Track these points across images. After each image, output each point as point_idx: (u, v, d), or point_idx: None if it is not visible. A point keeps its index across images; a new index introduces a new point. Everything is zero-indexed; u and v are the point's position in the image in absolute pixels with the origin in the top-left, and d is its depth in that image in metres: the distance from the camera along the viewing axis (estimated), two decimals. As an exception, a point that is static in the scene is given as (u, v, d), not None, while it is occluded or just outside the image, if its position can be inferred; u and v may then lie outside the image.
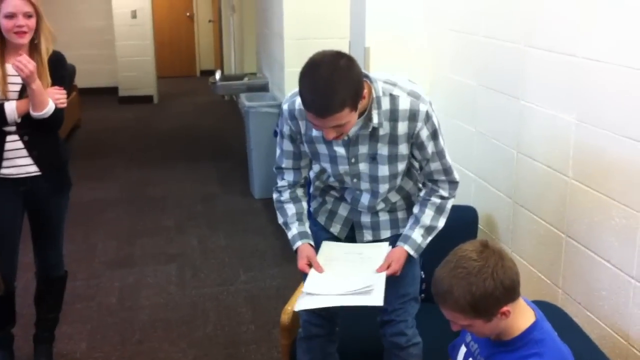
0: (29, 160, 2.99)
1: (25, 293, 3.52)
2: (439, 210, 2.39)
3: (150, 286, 4.23)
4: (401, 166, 2.34)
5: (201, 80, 11.58)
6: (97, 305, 4.01)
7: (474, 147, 3.19)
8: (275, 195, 2.52)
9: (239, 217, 5.35)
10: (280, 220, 2.50)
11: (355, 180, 2.38)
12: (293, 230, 2.45)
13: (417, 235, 2.38)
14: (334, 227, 2.54)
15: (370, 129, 2.23)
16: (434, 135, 2.28)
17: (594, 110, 2.34)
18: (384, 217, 2.48)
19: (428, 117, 2.23)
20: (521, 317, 1.74)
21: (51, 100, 2.91)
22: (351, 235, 2.52)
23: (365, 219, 2.48)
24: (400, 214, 2.48)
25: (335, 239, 2.53)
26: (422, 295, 2.63)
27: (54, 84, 2.98)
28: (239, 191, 5.95)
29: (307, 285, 2.32)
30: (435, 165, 2.34)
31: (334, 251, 2.46)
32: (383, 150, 2.29)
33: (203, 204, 5.68)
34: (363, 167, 2.33)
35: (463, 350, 1.91)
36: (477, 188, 3.17)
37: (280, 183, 2.50)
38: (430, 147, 2.29)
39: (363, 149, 2.29)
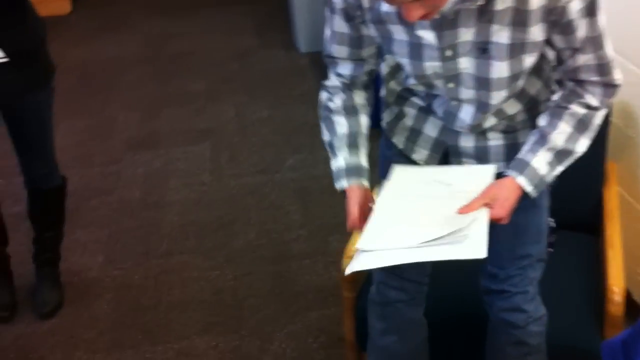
0: None
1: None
2: (582, 125, 1.52)
3: (179, 173, 3.53)
4: (529, 60, 1.47)
5: None
6: (117, 201, 3.34)
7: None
8: (322, 97, 1.68)
9: (282, 79, 4.50)
10: (325, 137, 1.67)
11: (451, 85, 1.53)
12: (339, 161, 1.62)
13: (541, 162, 1.52)
14: (417, 152, 1.72)
15: (479, 2, 1.36)
16: (590, 9, 1.38)
17: None
18: (495, 140, 1.64)
19: None
20: None
21: None
22: (444, 162, 1.71)
23: (466, 142, 1.65)
24: (522, 136, 1.64)
25: None
26: (551, 249, 1.87)
27: None
28: (280, 43, 5.05)
29: (363, 241, 1.52)
30: (586, 59, 1.46)
31: (410, 181, 1.63)
32: (500, 36, 1.41)
33: (238, 61, 4.82)
34: (466, 63, 1.48)
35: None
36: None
37: (331, 80, 1.66)
38: (582, 30, 1.41)
39: (466, 35, 1.43)
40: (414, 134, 1.71)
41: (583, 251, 2.16)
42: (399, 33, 1.50)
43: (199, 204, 3.28)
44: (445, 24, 1.42)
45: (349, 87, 1.65)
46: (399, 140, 1.74)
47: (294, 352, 2.42)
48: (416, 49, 1.50)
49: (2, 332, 2.57)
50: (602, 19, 1.42)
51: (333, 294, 2.62)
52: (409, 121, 1.72)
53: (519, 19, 1.39)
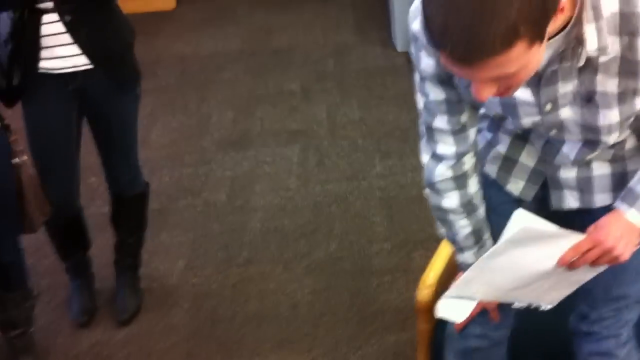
0: (75, 49, 2.20)
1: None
2: None
3: (267, 177, 3.48)
4: None
5: None
6: (203, 203, 3.33)
7: None
8: (431, 196, 1.53)
9: (377, 79, 4.37)
10: (443, 232, 1.58)
11: (554, 131, 1.37)
12: (467, 257, 1.56)
13: None
14: (512, 183, 1.56)
15: (580, 59, 1.18)
16: None
17: None
18: (601, 169, 1.46)
19: None
20: None
21: None
22: (543, 196, 1.54)
23: (568, 173, 1.47)
24: (632, 164, 1.44)
25: (515, 202, 1.56)
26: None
27: None
28: (378, 40, 4.90)
29: (457, 288, 1.44)
30: None
31: (529, 239, 1.33)
32: (608, 85, 1.23)
33: (335, 58, 4.72)
34: (568, 114, 1.30)
35: None
36: None
37: (436, 173, 1.47)
38: None
39: (566, 87, 1.25)
40: (509, 162, 1.55)
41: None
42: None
43: (284, 210, 3.22)
44: (542, 81, 1.25)
45: (458, 177, 1.48)
46: (491, 170, 1.59)
47: (367, 378, 2.33)
48: (510, 107, 1.34)
49: (79, 337, 2.60)
50: None
51: (412, 316, 2.47)
52: (502, 149, 1.55)
53: (628, 68, 1.21)
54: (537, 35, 1.01)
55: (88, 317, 2.65)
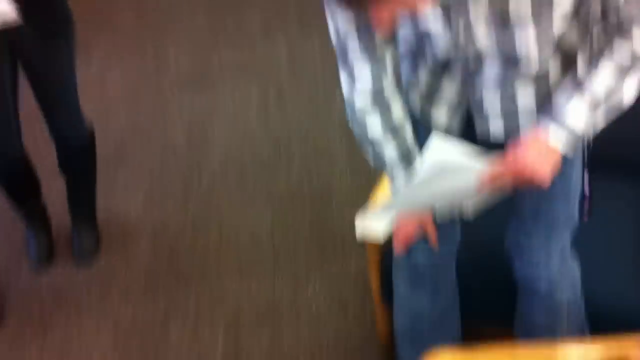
0: None
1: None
2: (625, 71, 1.29)
3: (226, 116, 3.42)
4: (560, 24, 1.25)
5: None
6: (160, 144, 3.25)
7: None
8: (355, 126, 1.47)
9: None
10: (372, 160, 1.52)
11: (473, 64, 1.35)
12: (399, 181, 1.50)
13: (576, 110, 1.30)
14: (435, 111, 1.51)
15: None
16: None
17: None
18: (525, 90, 1.39)
19: None
20: None
21: None
22: (469, 130, 1.50)
23: (491, 96, 1.41)
24: (556, 83, 1.40)
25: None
26: (585, 218, 1.67)
27: None
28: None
29: (376, 211, 1.48)
30: (631, 11, 1.23)
31: (446, 163, 1.32)
32: (521, 4, 1.20)
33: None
34: (484, 42, 1.28)
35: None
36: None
37: (356, 99, 1.42)
38: None
39: (477, 9, 1.22)
40: (431, 91, 1.49)
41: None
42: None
43: (243, 147, 3.18)
44: (452, 8, 1.24)
45: (380, 103, 1.42)
46: (413, 99, 1.53)
47: (327, 300, 2.35)
48: (426, 40, 1.34)
49: (39, 278, 2.58)
50: None
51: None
52: (423, 77, 1.49)
53: None
54: None
55: (46, 263, 2.61)
